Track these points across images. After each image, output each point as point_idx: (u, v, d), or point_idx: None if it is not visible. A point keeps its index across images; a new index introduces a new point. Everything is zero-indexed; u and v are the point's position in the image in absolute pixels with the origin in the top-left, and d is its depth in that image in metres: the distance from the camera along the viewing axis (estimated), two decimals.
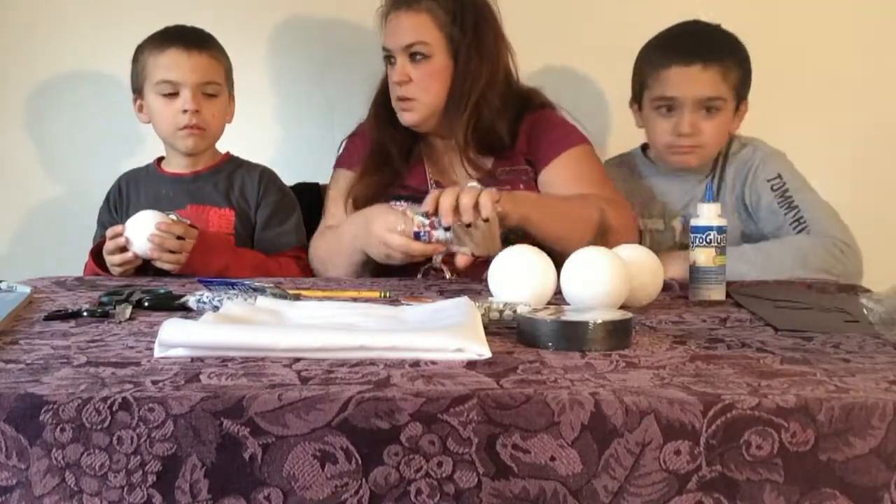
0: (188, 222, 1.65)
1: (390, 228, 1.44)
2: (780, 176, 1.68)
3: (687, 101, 1.67)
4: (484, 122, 1.71)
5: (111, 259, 1.62)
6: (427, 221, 1.40)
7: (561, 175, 1.71)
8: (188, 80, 1.76)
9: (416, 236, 1.41)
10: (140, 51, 1.81)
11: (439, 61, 1.70)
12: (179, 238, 1.59)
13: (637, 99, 1.78)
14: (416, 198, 1.69)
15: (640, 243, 1.73)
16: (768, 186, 1.68)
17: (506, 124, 1.73)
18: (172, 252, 1.58)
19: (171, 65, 1.77)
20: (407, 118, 1.74)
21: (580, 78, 2.15)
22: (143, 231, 1.58)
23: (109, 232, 1.63)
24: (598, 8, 2.14)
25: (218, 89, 1.81)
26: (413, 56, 1.69)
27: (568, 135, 1.75)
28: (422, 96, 1.71)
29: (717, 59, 1.67)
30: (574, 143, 1.74)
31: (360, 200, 1.71)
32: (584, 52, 2.13)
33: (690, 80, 1.66)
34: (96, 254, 1.68)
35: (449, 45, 1.70)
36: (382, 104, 1.78)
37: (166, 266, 1.60)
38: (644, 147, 1.85)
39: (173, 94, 1.77)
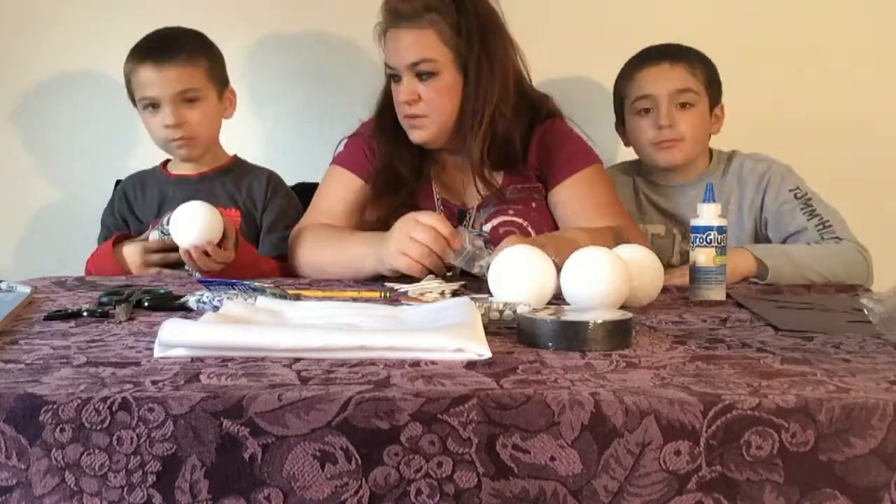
0: (229, 226, 1.60)
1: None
2: (798, 187, 1.79)
3: (662, 95, 1.79)
4: (499, 136, 1.64)
5: (150, 258, 1.67)
6: None
7: (575, 196, 1.65)
8: (164, 95, 1.77)
9: None
10: (125, 65, 1.82)
11: (448, 77, 1.62)
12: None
13: (620, 118, 1.88)
14: None
15: None
16: (791, 195, 1.78)
17: (519, 135, 1.67)
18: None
19: (146, 82, 1.78)
20: (417, 136, 1.66)
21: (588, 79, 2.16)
22: (191, 225, 1.54)
23: (155, 236, 1.70)
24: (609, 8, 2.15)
25: (198, 94, 1.79)
26: (420, 74, 1.62)
27: (580, 153, 1.70)
28: (432, 114, 1.63)
29: (682, 57, 1.82)
30: (587, 162, 1.69)
31: (370, 225, 1.64)
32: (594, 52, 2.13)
33: (661, 76, 1.80)
34: (112, 245, 1.71)
35: (457, 58, 1.62)
36: (388, 119, 1.71)
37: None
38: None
39: (156, 107, 1.78)
